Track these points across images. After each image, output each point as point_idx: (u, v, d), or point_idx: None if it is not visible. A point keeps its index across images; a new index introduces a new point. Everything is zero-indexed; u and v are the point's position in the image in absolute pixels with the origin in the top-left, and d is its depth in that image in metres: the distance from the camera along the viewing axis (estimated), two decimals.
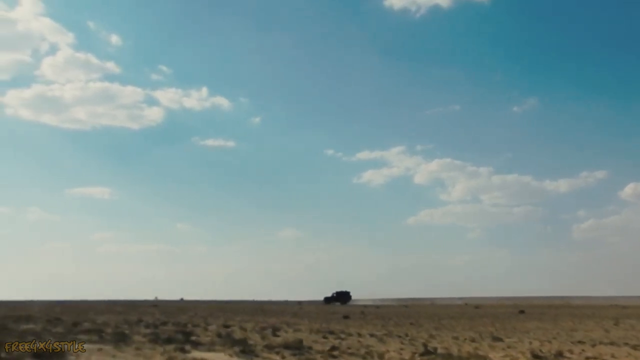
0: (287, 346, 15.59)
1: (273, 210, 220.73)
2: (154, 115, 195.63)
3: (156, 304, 62.93)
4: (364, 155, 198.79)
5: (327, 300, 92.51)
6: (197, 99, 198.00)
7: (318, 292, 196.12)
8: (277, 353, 14.42)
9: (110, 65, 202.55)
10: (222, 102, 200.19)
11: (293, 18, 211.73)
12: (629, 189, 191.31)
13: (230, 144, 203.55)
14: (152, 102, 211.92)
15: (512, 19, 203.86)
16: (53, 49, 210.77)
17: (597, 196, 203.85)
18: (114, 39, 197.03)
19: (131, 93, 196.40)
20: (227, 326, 23.68)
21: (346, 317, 36.04)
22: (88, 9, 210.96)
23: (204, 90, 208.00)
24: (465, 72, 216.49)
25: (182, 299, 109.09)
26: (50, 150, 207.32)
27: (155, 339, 15.98)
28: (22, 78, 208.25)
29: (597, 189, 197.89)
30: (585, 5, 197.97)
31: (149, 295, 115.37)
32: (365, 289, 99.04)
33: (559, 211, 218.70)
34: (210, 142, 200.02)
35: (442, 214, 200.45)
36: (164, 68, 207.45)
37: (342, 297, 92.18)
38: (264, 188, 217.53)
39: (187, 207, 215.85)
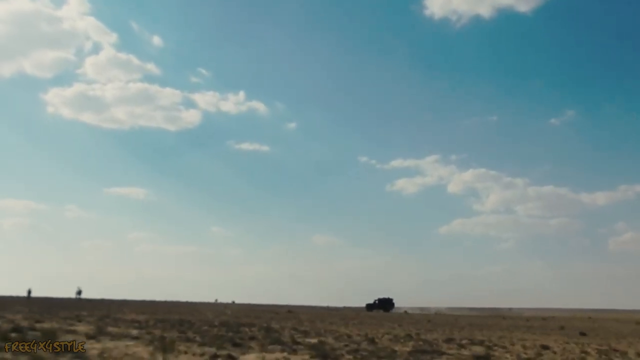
0: None
1: (306, 216, 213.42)
2: (191, 117, 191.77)
3: (291, 310, 60.43)
4: (397, 163, 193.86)
5: (369, 307, 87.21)
6: (234, 103, 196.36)
7: (349, 298, 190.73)
8: None
9: (151, 67, 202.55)
10: (259, 106, 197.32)
11: (332, 25, 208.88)
12: None
13: (265, 148, 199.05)
14: (190, 104, 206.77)
15: (553, 31, 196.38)
16: (96, 49, 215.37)
17: (637, 209, 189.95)
18: (156, 40, 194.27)
19: (170, 95, 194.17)
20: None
21: (583, 333, 30.76)
22: (132, 9, 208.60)
23: (242, 94, 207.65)
24: (504, 82, 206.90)
25: (233, 302, 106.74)
26: (89, 149, 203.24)
27: None
28: (65, 76, 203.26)
29: (636, 203, 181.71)
30: (625, 18, 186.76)
31: (185, 297, 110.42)
32: (398, 297, 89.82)
33: (596, 224, 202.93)
34: (245, 146, 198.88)
35: (475, 224, 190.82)
36: (203, 71, 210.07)
37: (385, 304, 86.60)
38: (298, 193, 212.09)
39: (221, 210, 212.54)
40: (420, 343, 18.86)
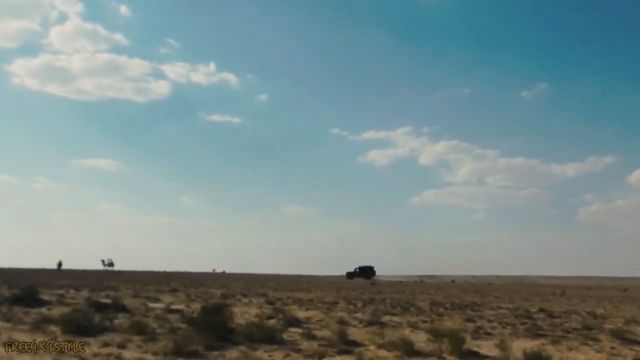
0: None
1: (278, 187, 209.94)
2: (160, 88, 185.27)
3: (375, 282, 58.71)
4: (369, 134, 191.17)
5: (350, 275, 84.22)
6: (204, 74, 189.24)
7: (321, 266, 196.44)
8: None
9: (119, 37, 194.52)
10: (230, 78, 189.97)
11: None
12: (637, 174, 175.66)
13: (236, 120, 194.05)
14: (159, 75, 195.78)
15: (527, 5, 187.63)
16: (62, 18, 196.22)
17: (605, 181, 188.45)
18: (123, 10, 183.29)
19: (138, 66, 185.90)
20: None
21: None
22: None
23: (212, 66, 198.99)
24: (477, 55, 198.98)
25: (224, 272, 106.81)
26: (56, 121, 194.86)
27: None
28: (30, 47, 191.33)
29: (605, 174, 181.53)
30: None
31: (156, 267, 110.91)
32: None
33: (565, 195, 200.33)
34: (216, 117, 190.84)
35: (447, 195, 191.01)
36: (173, 42, 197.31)
37: (366, 272, 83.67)
38: (269, 165, 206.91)
39: (192, 181, 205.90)
40: None
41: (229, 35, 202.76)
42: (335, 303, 19.94)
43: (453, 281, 79.64)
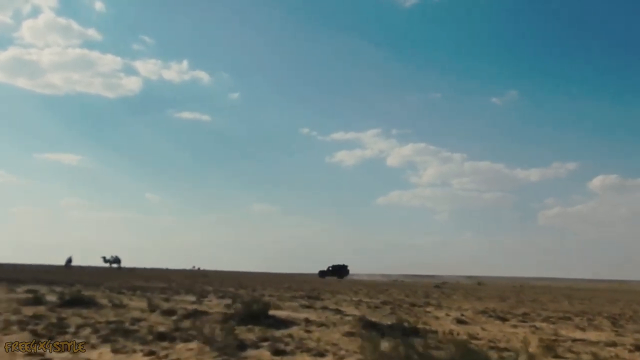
0: None
1: (246, 185, 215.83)
2: (131, 85, 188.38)
3: (441, 284, 56.54)
4: (338, 135, 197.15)
5: (323, 274, 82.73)
6: (176, 72, 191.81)
7: (288, 264, 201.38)
8: None
9: (92, 32, 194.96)
10: (202, 76, 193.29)
11: None
12: (597, 181, 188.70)
13: (206, 117, 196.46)
14: (130, 71, 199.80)
15: (499, 13, 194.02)
16: (35, 12, 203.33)
17: (567, 186, 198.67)
18: (98, 5, 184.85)
19: (110, 61, 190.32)
20: None
21: None
22: None
23: (185, 63, 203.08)
24: (450, 61, 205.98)
25: (199, 268, 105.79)
26: (21, 114, 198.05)
27: None
28: (0, 39, 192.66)
29: (567, 180, 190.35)
30: (571, 4, 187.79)
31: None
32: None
33: (528, 199, 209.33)
34: (185, 115, 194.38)
35: (412, 196, 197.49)
36: (146, 38, 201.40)
37: (339, 271, 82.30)
38: (238, 163, 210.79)
39: (157, 177, 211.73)
40: None
41: (203, 34, 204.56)
42: (570, 318, 16.75)
43: (479, 283, 76.53)
